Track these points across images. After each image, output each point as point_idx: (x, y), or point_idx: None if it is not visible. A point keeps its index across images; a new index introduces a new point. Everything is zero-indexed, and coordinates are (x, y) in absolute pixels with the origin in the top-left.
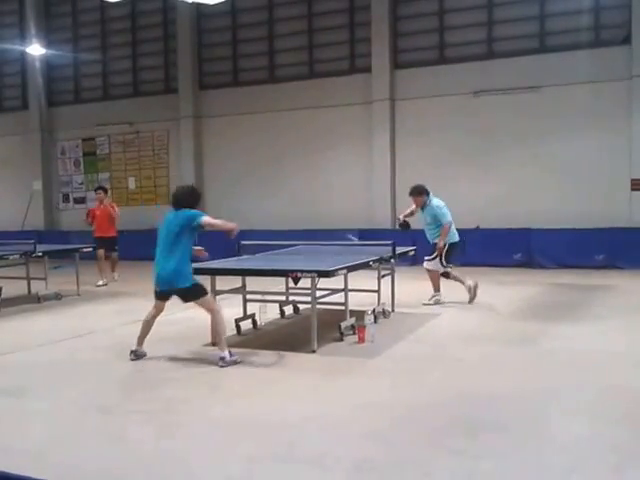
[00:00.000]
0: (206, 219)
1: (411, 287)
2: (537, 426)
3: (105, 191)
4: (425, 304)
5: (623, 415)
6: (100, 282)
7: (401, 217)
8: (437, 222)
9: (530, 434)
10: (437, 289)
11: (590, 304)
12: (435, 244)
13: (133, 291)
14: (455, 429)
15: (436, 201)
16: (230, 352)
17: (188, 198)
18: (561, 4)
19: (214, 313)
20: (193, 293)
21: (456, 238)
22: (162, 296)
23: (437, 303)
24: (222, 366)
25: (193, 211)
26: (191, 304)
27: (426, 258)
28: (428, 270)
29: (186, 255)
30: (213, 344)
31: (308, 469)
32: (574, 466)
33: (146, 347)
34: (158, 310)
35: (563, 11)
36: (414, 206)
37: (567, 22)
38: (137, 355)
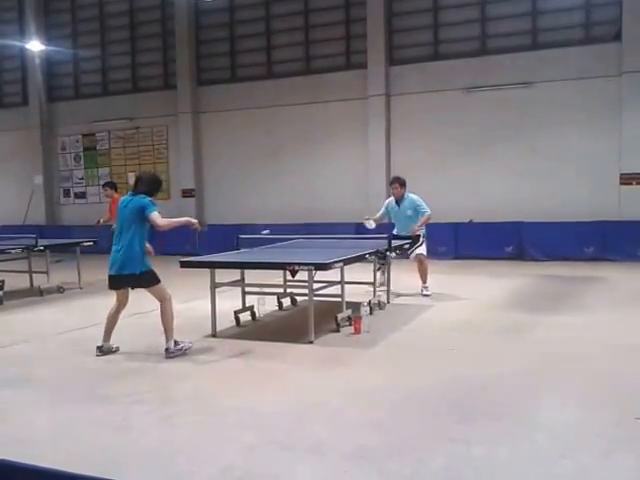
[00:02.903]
0: (154, 215)
1: (406, 279)
2: (528, 413)
3: (112, 187)
4: (426, 295)
5: (610, 402)
6: None
7: (372, 222)
8: (417, 213)
9: (521, 421)
10: (426, 280)
11: (579, 295)
12: (416, 235)
13: None
14: (449, 416)
15: (413, 195)
16: (176, 342)
17: (148, 185)
18: (553, 1)
19: (163, 303)
20: (141, 281)
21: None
22: (115, 282)
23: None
24: (168, 357)
25: (146, 200)
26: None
27: (417, 250)
28: (421, 261)
29: (136, 242)
30: (213, 335)
31: (306, 457)
32: (564, 452)
33: (147, 339)
34: (120, 303)
35: (555, 8)
36: (379, 214)
37: (559, 19)
38: (102, 351)
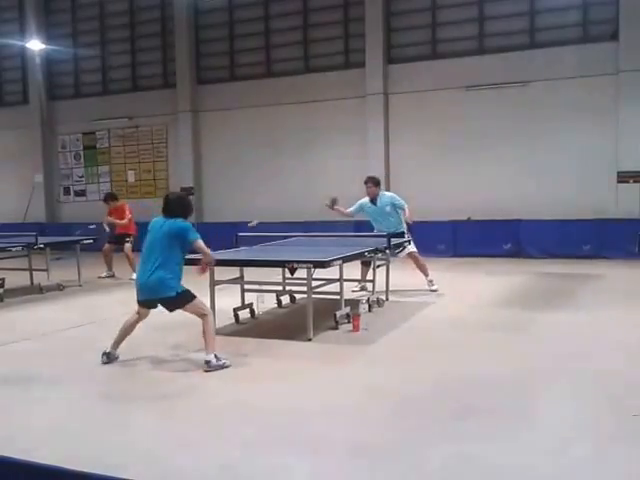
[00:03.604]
0: (201, 243)
1: (406, 277)
2: (524, 410)
3: (112, 198)
4: (433, 290)
5: (606, 398)
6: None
7: (333, 207)
8: (397, 210)
9: (518, 417)
10: (428, 273)
11: (576, 292)
12: (401, 232)
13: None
14: (448, 414)
15: (386, 192)
16: (217, 356)
17: (182, 208)
18: (550, 1)
19: (204, 318)
20: (178, 302)
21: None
22: (145, 305)
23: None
24: (207, 370)
25: (187, 225)
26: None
27: (409, 248)
28: (416, 258)
29: (174, 265)
30: None
31: (305, 454)
32: (562, 449)
33: (146, 336)
34: (141, 317)
35: (552, 7)
36: (350, 209)
37: (556, 18)
38: (109, 358)
